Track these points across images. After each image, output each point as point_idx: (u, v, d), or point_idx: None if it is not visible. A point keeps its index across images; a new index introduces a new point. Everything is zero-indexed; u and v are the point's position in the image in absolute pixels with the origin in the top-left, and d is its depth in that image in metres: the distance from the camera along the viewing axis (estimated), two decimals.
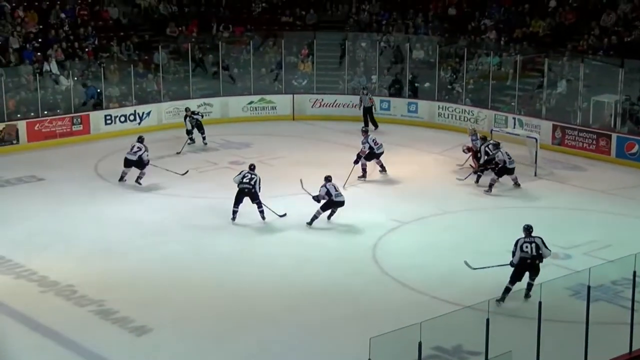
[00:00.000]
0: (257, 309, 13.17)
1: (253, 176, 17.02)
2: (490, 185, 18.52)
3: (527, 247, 13.18)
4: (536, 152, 20.12)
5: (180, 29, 27.60)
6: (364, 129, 20.12)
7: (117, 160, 21.09)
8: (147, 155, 19.18)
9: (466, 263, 14.07)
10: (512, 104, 23.60)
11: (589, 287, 10.53)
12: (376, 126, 23.61)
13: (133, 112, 24.03)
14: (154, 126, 24.06)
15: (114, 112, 23.73)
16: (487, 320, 9.67)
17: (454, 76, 25.33)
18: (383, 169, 19.71)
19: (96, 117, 23.40)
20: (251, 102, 25.34)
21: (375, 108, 24.35)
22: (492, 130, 21.66)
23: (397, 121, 25.04)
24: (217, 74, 25.74)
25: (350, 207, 17.63)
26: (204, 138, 22.14)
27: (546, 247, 13.25)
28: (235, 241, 15.89)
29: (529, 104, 23.69)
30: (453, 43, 26.40)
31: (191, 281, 14.17)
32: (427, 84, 25.57)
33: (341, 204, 16.67)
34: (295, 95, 25.84)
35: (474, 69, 25.35)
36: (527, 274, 13.15)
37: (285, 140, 22.88)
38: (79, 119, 23.14)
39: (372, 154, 19.48)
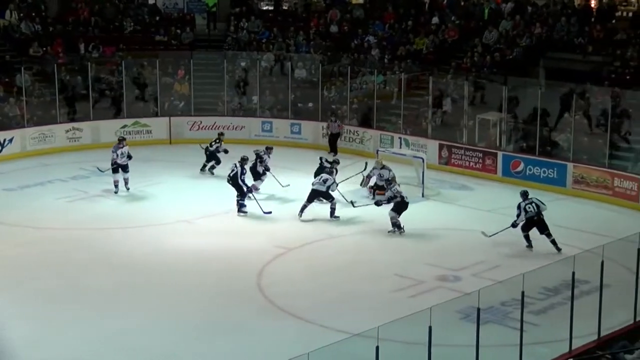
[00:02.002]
0: (131, 346, 12.90)
1: (234, 169, 18.80)
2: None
3: (529, 207, 16.67)
4: (423, 173, 20.63)
5: (44, 49, 26.97)
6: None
7: None
8: (118, 156, 19.78)
9: (483, 233, 16.98)
10: (398, 123, 24.16)
11: (478, 310, 10.78)
12: (335, 152, 23.40)
13: None
14: (18, 153, 23.36)
15: None
16: (377, 347, 9.79)
17: (338, 95, 25.76)
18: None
19: None
20: (124, 126, 24.97)
21: (341, 135, 24.27)
22: (377, 150, 22.05)
23: (281, 143, 25.16)
24: (86, 96, 25.27)
25: (232, 234, 17.63)
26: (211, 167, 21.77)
27: (542, 203, 16.80)
28: (111, 276, 15.53)
29: (415, 123, 24.29)
30: (336, 61, 26.82)
31: (59, 320, 13.76)
32: (310, 104, 25.88)
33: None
34: (172, 118, 25.64)
35: (358, 87, 25.82)
36: (538, 233, 16.55)
37: (162, 166, 22.62)
38: None
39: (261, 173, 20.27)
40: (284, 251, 16.77)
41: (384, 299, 14.56)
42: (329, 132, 24.36)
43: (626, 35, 24.26)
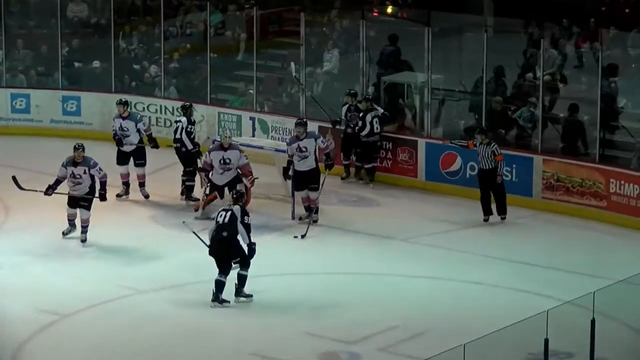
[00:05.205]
0: None
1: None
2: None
3: None
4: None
5: None
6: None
7: None
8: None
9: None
10: (250, 92, 24.38)
11: None
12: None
13: None
14: None
15: None
16: None
17: (144, 48, 25.84)
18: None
19: None
20: None
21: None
22: (214, 140, 22.01)
23: (46, 131, 25.10)
24: None
25: None
26: None
27: None
28: None
29: (277, 93, 24.59)
30: None
31: None
32: (96, 63, 25.88)
33: None
34: None
35: (178, 34, 25.99)
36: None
37: None
38: None
39: None
40: (56, 319, 16.66)
41: None
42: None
43: None
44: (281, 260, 18.94)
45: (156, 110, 24.72)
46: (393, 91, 23.57)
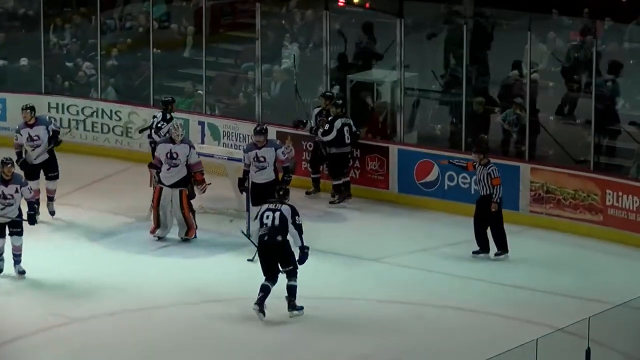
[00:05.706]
0: None
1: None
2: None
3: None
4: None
5: None
6: None
7: None
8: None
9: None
10: (198, 93, 24.40)
11: None
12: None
13: None
14: None
15: None
16: None
17: (78, 42, 25.76)
18: None
19: None
20: None
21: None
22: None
23: None
24: None
25: None
26: None
27: None
28: None
29: (231, 94, 24.64)
30: None
31: None
32: (24, 60, 25.80)
33: None
34: None
35: (118, 27, 26.00)
36: None
37: None
38: None
39: None
40: None
41: None
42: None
43: None
44: (236, 283, 18.81)
45: (92, 113, 24.71)
46: (361, 91, 23.44)
